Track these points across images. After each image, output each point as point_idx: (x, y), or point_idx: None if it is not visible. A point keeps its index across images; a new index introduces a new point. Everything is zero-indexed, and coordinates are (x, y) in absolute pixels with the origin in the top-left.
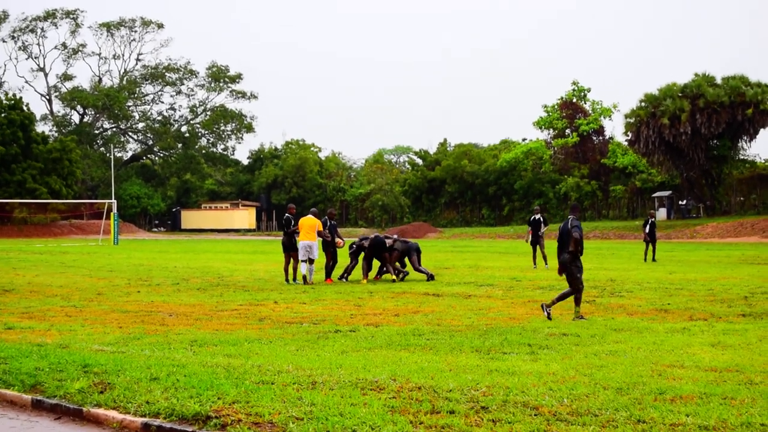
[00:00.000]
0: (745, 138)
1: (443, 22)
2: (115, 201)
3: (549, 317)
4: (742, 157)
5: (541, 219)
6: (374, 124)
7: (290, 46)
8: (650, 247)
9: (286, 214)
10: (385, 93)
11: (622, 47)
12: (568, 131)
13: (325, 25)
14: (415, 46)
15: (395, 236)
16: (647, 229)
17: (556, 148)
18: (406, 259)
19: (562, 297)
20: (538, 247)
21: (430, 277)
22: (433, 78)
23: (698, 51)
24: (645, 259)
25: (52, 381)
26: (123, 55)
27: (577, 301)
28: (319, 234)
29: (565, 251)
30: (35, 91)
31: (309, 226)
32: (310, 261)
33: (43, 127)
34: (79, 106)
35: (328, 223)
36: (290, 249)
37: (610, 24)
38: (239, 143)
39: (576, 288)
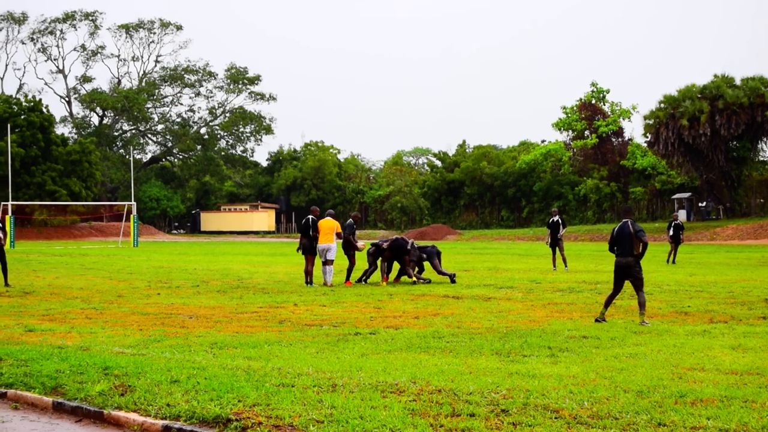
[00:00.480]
0: (765, 139)
1: (459, 21)
2: (135, 203)
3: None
4: (761, 159)
5: (560, 221)
6: (393, 126)
7: (308, 47)
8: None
9: (310, 217)
10: (403, 94)
11: (642, 49)
12: (587, 133)
13: (344, 26)
14: (434, 46)
15: (411, 241)
16: (671, 232)
17: (575, 150)
18: (427, 264)
19: (643, 304)
20: (557, 249)
21: (453, 279)
22: (451, 79)
23: (718, 52)
24: (668, 261)
25: (72, 383)
26: (142, 56)
27: (644, 305)
28: (341, 236)
29: (631, 255)
30: (54, 93)
31: (328, 228)
32: (329, 262)
33: (62, 129)
34: (98, 108)
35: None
36: (311, 251)
37: (631, 27)
38: (258, 145)
39: (642, 288)
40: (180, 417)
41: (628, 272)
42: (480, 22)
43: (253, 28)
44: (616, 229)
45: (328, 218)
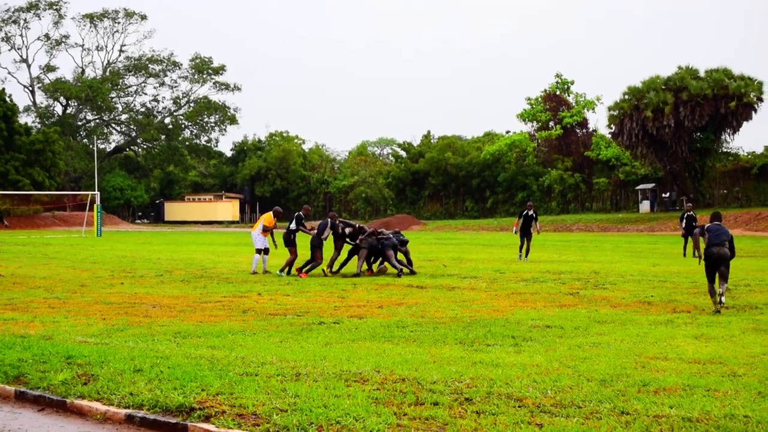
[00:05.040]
0: (728, 131)
1: (428, 15)
2: (99, 193)
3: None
4: (725, 150)
5: (534, 215)
6: (358, 116)
7: (271, 36)
8: (689, 241)
9: (300, 213)
10: (368, 85)
11: (606, 40)
12: (551, 124)
13: (306, 14)
14: (398, 37)
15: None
16: (683, 224)
17: (539, 141)
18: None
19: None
20: (526, 240)
21: (400, 273)
22: (416, 70)
23: (683, 44)
24: (684, 254)
25: (35, 372)
26: (106, 46)
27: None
28: (267, 229)
29: (726, 249)
30: (18, 82)
31: (260, 219)
32: (257, 251)
33: (26, 119)
34: (62, 98)
35: (329, 222)
36: (318, 247)
37: (593, 17)
38: (223, 135)
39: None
40: (143, 406)
41: (720, 260)
42: (447, 13)
43: (217, 18)
44: (708, 226)
45: (269, 213)
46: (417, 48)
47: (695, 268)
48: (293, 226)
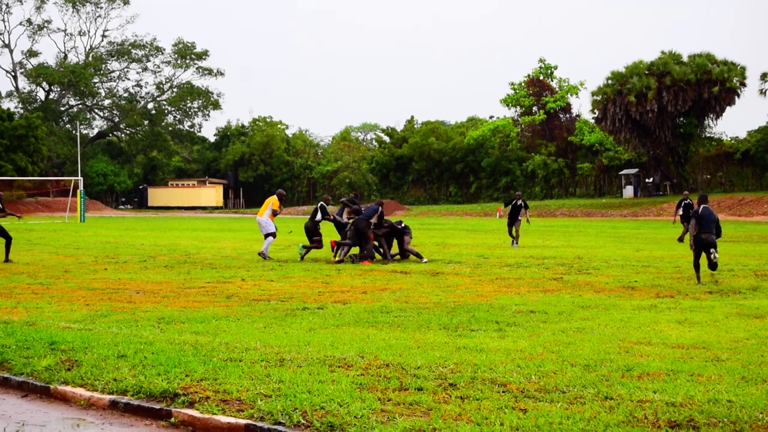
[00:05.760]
0: (711, 116)
1: None
2: (82, 178)
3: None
4: (708, 135)
5: (523, 204)
6: (341, 102)
7: (254, 21)
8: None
9: (322, 203)
10: (351, 69)
11: (589, 25)
12: (535, 109)
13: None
14: (380, 17)
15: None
16: (680, 211)
17: (523, 126)
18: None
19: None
20: (514, 228)
21: (354, 259)
22: (399, 54)
23: (666, 30)
24: (680, 240)
25: (18, 358)
26: (89, 31)
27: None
28: (276, 213)
29: (713, 234)
30: (0, 67)
31: (265, 203)
32: (271, 235)
33: (8, 104)
34: (44, 83)
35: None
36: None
37: (577, 2)
38: (206, 120)
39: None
40: (127, 392)
41: (709, 245)
42: None
43: (201, 3)
44: (700, 211)
45: (273, 196)
46: (401, 32)
47: (678, 253)
48: (319, 216)
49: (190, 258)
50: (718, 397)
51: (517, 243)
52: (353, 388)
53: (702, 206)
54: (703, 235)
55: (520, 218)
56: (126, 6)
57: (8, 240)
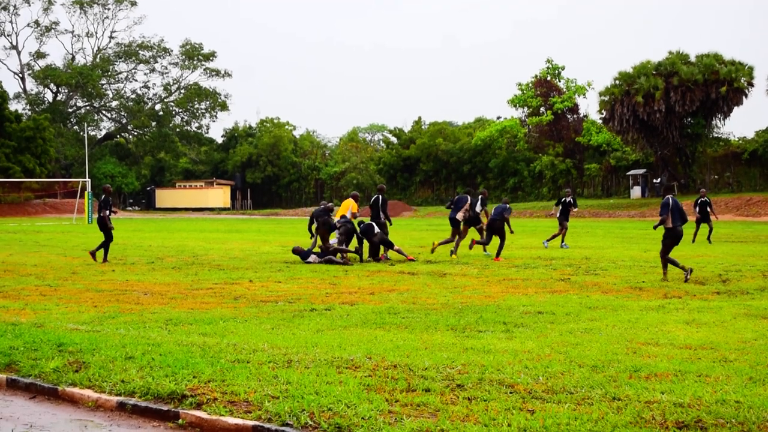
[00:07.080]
0: (719, 116)
1: (420, 2)
2: (89, 180)
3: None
4: (716, 135)
5: (573, 201)
6: (348, 103)
7: (263, 23)
8: (703, 227)
9: (481, 196)
10: (359, 70)
11: (597, 25)
12: (542, 109)
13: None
14: (389, 24)
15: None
16: (697, 209)
17: (530, 126)
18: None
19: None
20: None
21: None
22: (407, 55)
23: (674, 30)
24: (693, 240)
25: (26, 360)
26: (96, 32)
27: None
28: (355, 216)
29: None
30: (8, 69)
31: (342, 208)
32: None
33: (16, 106)
34: (52, 84)
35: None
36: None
37: (585, 2)
38: (213, 121)
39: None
40: (135, 393)
41: (681, 237)
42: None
43: (208, 4)
44: (672, 203)
45: (349, 199)
46: (409, 32)
47: (686, 254)
48: (479, 207)
49: (197, 259)
50: (726, 398)
51: (563, 241)
52: (361, 389)
53: (671, 196)
54: (680, 228)
55: (570, 215)
56: (133, 7)
57: None
